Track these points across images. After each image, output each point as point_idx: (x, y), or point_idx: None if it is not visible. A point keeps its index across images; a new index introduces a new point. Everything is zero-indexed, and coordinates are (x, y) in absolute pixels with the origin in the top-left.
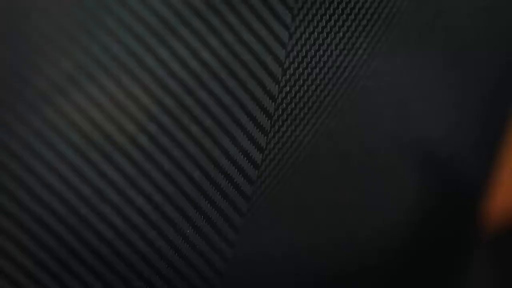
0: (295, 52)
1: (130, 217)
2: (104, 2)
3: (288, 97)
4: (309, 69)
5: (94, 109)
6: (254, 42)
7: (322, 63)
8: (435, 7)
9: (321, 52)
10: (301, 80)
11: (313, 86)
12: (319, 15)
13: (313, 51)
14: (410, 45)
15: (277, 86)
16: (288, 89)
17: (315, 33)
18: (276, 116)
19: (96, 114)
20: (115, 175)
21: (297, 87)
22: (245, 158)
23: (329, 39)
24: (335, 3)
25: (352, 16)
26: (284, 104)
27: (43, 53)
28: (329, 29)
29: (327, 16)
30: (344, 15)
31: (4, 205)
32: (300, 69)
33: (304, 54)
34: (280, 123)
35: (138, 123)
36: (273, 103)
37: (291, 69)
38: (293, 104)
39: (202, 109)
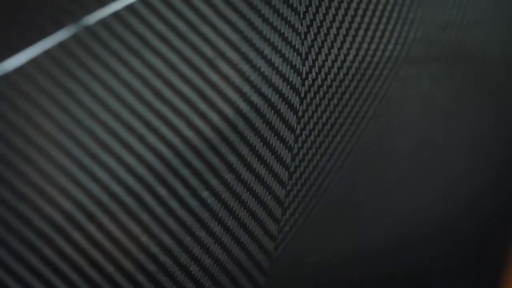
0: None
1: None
2: (100, 140)
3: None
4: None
5: (94, 249)
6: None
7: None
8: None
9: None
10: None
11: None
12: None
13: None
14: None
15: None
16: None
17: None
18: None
19: (95, 253)
20: None
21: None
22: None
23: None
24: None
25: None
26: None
27: (42, 191)
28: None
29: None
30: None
31: None
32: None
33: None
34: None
35: (137, 262)
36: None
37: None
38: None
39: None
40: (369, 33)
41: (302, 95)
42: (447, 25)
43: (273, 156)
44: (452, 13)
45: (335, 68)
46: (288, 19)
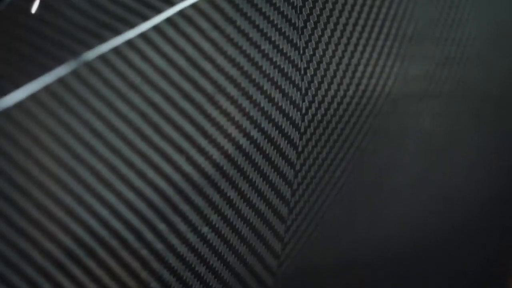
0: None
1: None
2: (100, 175)
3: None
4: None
5: (94, 285)
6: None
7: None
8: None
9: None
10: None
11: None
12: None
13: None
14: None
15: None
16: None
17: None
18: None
19: None
20: None
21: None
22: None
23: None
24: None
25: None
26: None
27: (42, 227)
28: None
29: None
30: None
31: None
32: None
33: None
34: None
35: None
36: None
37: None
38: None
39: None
40: (369, 68)
41: (302, 130)
42: (447, 61)
43: (273, 192)
44: (452, 49)
45: (335, 104)
46: (288, 54)
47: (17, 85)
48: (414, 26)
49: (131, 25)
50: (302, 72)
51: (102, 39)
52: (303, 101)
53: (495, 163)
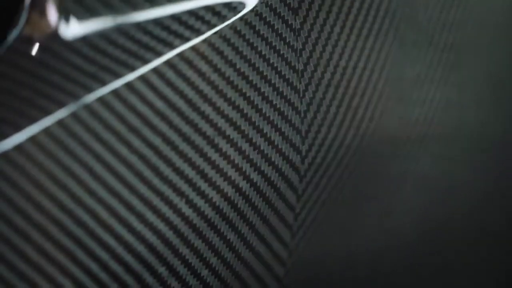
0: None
1: None
2: (100, 218)
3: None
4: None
5: None
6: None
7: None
8: None
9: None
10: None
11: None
12: None
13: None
14: None
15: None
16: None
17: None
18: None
19: None
20: None
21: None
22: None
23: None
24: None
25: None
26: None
27: (41, 270)
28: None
29: None
30: None
31: None
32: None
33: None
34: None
35: None
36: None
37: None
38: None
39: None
40: (368, 112)
41: (302, 173)
42: (447, 105)
43: (273, 235)
44: (452, 93)
45: (335, 146)
46: (288, 97)
47: (17, 128)
48: (414, 70)
49: (131, 68)
50: (302, 114)
51: (102, 82)
52: (303, 144)
53: (495, 205)
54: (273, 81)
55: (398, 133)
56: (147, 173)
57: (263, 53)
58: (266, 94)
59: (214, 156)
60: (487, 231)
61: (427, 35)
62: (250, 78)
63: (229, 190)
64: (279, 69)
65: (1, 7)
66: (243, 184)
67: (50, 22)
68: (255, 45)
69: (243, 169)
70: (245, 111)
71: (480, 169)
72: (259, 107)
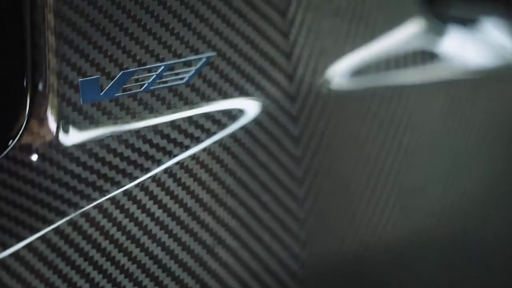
0: None
1: None
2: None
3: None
4: None
5: None
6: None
7: None
8: None
9: None
10: None
11: None
12: None
13: None
14: None
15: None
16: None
17: None
18: None
19: None
20: None
21: None
22: None
23: None
24: None
25: None
26: None
27: None
28: None
29: None
30: None
31: None
32: None
33: None
34: None
35: None
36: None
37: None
38: None
39: None
40: (370, 221)
41: (302, 282)
42: (451, 210)
43: None
44: (455, 199)
45: (336, 256)
46: (288, 205)
47: (15, 237)
48: (416, 178)
49: (130, 176)
50: (302, 222)
51: (101, 190)
52: (303, 251)
53: None
54: (272, 190)
55: (399, 242)
56: (145, 281)
57: (262, 161)
58: (265, 202)
59: (214, 265)
60: None
61: (432, 141)
62: (250, 186)
63: None
64: (278, 177)
65: (1, 116)
66: None
67: (49, 130)
68: (255, 153)
69: (243, 278)
70: (244, 220)
71: (483, 278)
72: (259, 215)
